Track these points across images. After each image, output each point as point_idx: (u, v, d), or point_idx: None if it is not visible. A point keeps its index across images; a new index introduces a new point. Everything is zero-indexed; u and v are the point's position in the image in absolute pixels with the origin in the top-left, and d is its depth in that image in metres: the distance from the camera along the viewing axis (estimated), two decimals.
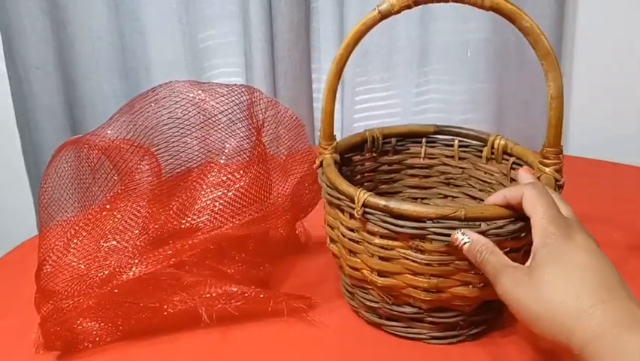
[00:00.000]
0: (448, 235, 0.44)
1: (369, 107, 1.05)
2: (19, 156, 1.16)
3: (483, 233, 0.44)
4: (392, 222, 0.45)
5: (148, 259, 0.51)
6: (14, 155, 1.16)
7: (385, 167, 0.64)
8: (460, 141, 0.61)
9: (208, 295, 0.53)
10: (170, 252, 0.51)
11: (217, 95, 0.57)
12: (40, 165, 1.12)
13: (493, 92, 0.99)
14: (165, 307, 0.52)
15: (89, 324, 0.54)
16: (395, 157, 0.63)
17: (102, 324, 0.54)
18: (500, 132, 0.60)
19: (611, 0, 0.95)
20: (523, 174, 0.49)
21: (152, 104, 0.56)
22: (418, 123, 0.63)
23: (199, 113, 0.57)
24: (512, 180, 0.57)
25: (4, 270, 0.66)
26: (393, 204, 0.45)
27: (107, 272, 0.51)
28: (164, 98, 0.56)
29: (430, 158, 0.63)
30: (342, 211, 0.49)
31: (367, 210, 0.46)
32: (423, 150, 0.63)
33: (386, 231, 0.46)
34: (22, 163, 1.16)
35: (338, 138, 0.56)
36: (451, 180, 0.63)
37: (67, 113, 1.10)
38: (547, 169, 0.49)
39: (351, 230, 0.49)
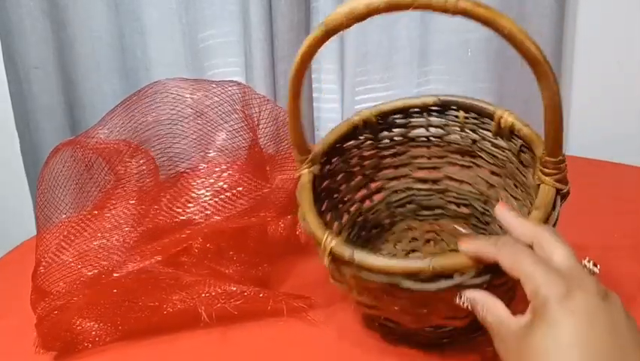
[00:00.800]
0: (419, 289, 0.41)
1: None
2: (19, 156, 1.16)
3: (459, 285, 0.41)
4: (361, 272, 0.42)
5: (138, 255, 0.51)
6: (14, 155, 1.16)
7: (386, 142, 0.60)
8: (464, 115, 0.56)
9: (207, 295, 0.53)
10: (159, 248, 0.51)
11: (207, 91, 0.57)
12: (39, 165, 1.12)
13: (494, 91, 0.99)
14: (165, 306, 0.52)
15: (89, 324, 0.54)
16: (397, 131, 0.59)
17: (101, 324, 0.54)
18: None
19: (611, 0, 0.95)
20: (501, 213, 0.43)
21: (143, 103, 0.56)
22: (416, 96, 0.58)
23: (189, 108, 0.57)
24: (523, 164, 0.52)
25: (4, 270, 0.66)
26: (359, 256, 0.42)
27: (96, 271, 0.52)
28: (155, 96, 0.56)
29: (437, 128, 0.58)
30: (317, 245, 0.46)
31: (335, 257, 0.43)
32: (426, 120, 0.58)
33: (357, 277, 0.43)
34: (21, 163, 1.16)
35: None
36: (462, 150, 0.59)
37: (67, 113, 1.10)
38: (547, 179, 0.44)
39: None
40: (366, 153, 0.61)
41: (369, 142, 0.60)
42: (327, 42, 0.42)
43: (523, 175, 0.53)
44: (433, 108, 0.57)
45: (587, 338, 0.34)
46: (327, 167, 0.56)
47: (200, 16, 1.04)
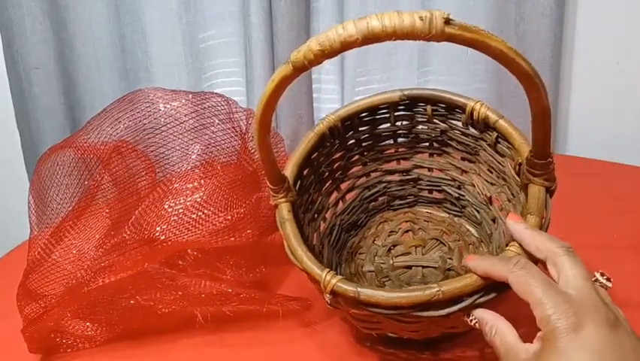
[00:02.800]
0: (429, 316, 0.41)
1: None
2: (20, 155, 1.16)
3: (467, 307, 0.40)
4: (365, 308, 0.41)
5: (109, 268, 0.50)
6: (14, 155, 1.16)
7: (353, 142, 0.58)
8: (432, 108, 0.55)
9: (203, 296, 0.53)
10: (136, 258, 0.50)
11: (187, 101, 0.57)
12: None
13: (493, 91, 0.99)
14: (160, 307, 0.52)
15: (86, 324, 0.54)
16: (362, 128, 0.57)
17: (96, 325, 0.54)
18: None
19: (611, 0, 0.95)
20: (514, 227, 0.42)
21: (123, 111, 0.56)
22: (380, 93, 0.55)
23: (169, 118, 0.57)
24: (499, 153, 0.51)
25: (4, 270, 0.66)
26: (364, 293, 0.40)
27: (72, 281, 0.51)
28: (135, 105, 0.56)
29: (403, 120, 0.57)
30: (312, 283, 0.45)
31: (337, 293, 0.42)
32: (391, 116, 0.56)
33: (361, 311, 0.42)
34: (22, 163, 1.16)
35: None
36: (430, 140, 0.58)
37: (67, 113, 1.10)
38: (535, 179, 0.44)
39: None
40: (334, 157, 0.60)
41: (336, 147, 0.59)
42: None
43: (500, 163, 0.52)
44: (400, 105, 0.56)
45: None
46: (299, 182, 0.54)
47: (201, 17, 1.04)
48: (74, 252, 0.53)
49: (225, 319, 0.52)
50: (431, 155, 0.61)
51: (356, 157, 0.62)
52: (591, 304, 0.35)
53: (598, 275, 0.39)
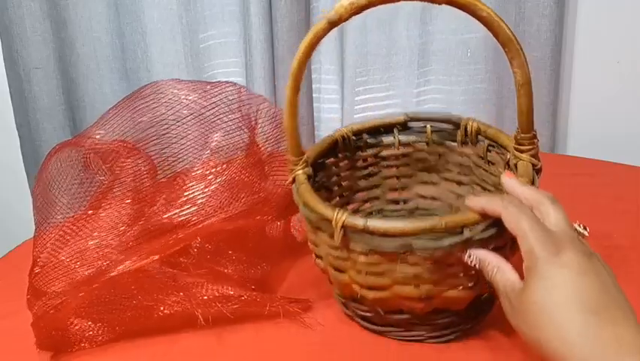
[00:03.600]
0: (433, 247, 0.44)
1: (370, 108, 1.05)
2: (19, 156, 1.16)
3: (468, 240, 0.44)
4: (374, 241, 0.45)
5: (135, 255, 0.51)
6: (14, 155, 1.16)
7: (361, 162, 0.62)
8: (432, 126, 0.60)
9: (205, 298, 0.53)
10: (156, 248, 0.51)
11: (203, 91, 0.57)
12: (40, 165, 1.12)
13: (493, 91, 0.99)
14: (162, 308, 0.52)
15: (88, 324, 0.54)
16: (369, 151, 0.62)
17: (99, 324, 0.54)
18: None
19: (612, 1, 0.95)
20: (507, 181, 0.47)
21: (139, 104, 0.56)
22: (388, 114, 0.62)
23: (185, 109, 0.57)
24: (489, 162, 0.56)
25: (4, 270, 0.66)
26: (373, 223, 0.44)
27: (92, 270, 0.51)
28: (151, 96, 0.56)
29: (405, 146, 0.62)
30: (323, 231, 0.48)
31: (347, 230, 0.45)
32: (396, 139, 0.62)
33: (369, 249, 0.45)
34: (21, 163, 1.16)
35: None
36: (429, 167, 0.62)
37: (67, 113, 1.10)
38: (523, 155, 0.49)
39: (335, 248, 0.48)
40: (343, 174, 0.62)
41: (346, 161, 0.61)
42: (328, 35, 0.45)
43: (492, 174, 0.56)
44: (403, 125, 0.61)
45: (580, 286, 0.37)
46: (312, 180, 0.56)
47: (201, 17, 1.04)
48: (92, 243, 0.53)
49: (226, 319, 0.53)
50: (430, 184, 0.64)
51: (362, 181, 0.64)
52: (570, 238, 0.40)
53: (576, 225, 0.45)
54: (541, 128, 0.95)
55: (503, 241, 0.45)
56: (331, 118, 1.07)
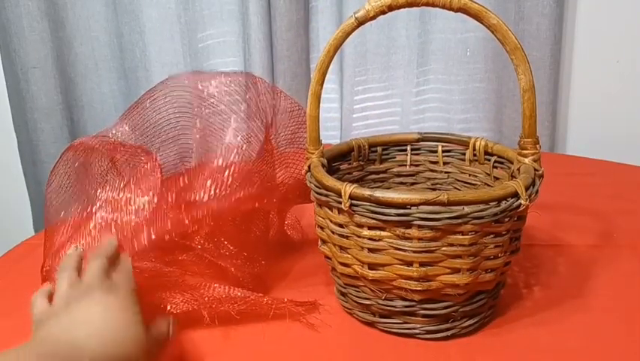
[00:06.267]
0: (433, 220, 0.46)
1: (369, 107, 1.05)
2: (17, 155, 1.16)
3: (465, 216, 0.46)
4: (378, 210, 0.47)
5: (148, 228, 0.52)
6: (12, 154, 1.16)
7: (372, 176, 0.65)
8: (443, 146, 0.63)
9: (211, 298, 0.53)
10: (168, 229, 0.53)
11: (218, 82, 0.58)
12: (37, 164, 1.12)
13: (492, 91, 0.99)
14: (169, 307, 0.52)
15: None
16: (382, 165, 0.65)
17: None
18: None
19: (611, 0, 0.95)
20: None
21: (156, 100, 0.57)
22: (403, 132, 0.65)
23: (199, 100, 0.58)
24: (495, 178, 0.59)
25: (4, 270, 0.66)
26: (379, 192, 0.47)
27: None
28: (171, 90, 0.57)
29: (416, 165, 0.65)
30: (331, 208, 0.51)
31: (354, 202, 0.48)
32: (408, 157, 0.64)
33: (373, 221, 0.47)
34: (19, 163, 1.16)
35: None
36: (437, 186, 0.65)
37: (65, 113, 1.10)
38: (526, 160, 0.51)
39: (340, 225, 0.50)
40: (354, 182, 0.63)
41: (359, 170, 0.64)
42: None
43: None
44: (415, 144, 0.65)
45: None
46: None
47: (199, 16, 1.04)
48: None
49: (231, 318, 0.53)
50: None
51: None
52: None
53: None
54: (540, 127, 0.95)
55: (501, 228, 0.47)
56: (331, 118, 1.07)
